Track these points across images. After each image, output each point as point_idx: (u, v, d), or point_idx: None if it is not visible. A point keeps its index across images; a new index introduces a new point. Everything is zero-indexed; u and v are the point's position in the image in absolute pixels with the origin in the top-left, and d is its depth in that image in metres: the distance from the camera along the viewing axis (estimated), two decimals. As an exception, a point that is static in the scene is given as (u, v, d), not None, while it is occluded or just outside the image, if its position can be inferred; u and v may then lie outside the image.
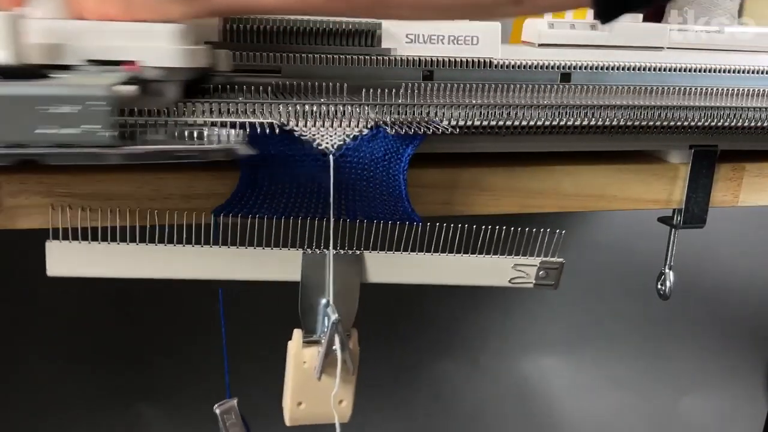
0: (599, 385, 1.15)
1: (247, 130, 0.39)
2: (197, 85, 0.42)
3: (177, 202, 0.42)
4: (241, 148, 0.36)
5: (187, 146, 0.35)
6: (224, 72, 0.45)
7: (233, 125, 0.38)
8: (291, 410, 0.46)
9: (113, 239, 0.41)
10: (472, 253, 0.45)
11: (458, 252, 0.45)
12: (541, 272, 0.46)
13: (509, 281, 0.46)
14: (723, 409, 1.19)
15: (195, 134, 0.36)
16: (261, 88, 0.45)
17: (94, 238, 0.41)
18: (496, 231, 0.44)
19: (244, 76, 0.46)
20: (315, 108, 0.41)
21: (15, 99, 0.30)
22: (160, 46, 0.37)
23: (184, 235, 0.42)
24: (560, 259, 0.46)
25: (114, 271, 0.42)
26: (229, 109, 0.40)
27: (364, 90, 0.44)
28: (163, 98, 0.38)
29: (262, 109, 0.41)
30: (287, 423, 0.47)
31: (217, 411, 0.48)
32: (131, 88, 0.34)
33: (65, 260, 0.41)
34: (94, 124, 0.30)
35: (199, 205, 0.43)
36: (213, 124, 0.38)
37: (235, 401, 0.48)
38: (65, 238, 0.41)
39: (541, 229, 0.45)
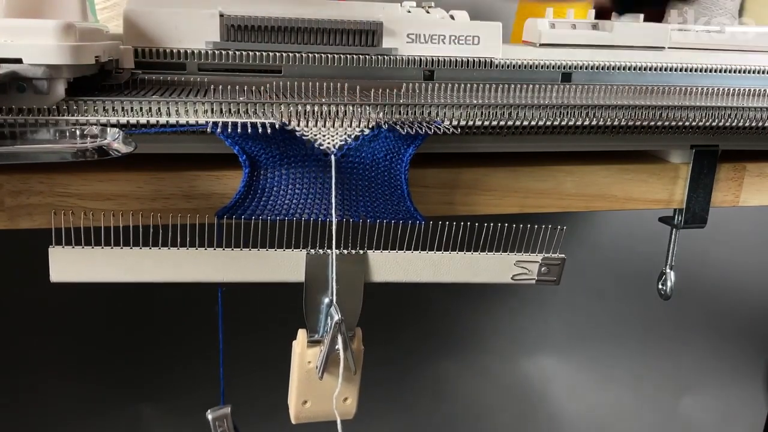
0: (599, 385, 1.15)
1: (249, 130, 0.39)
2: (98, 82, 0.42)
3: (178, 202, 0.42)
4: (118, 146, 0.35)
5: (48, 146, 0.35)
6: (129, 69, 0.44)
7: (118, 124, 0.38)
8: (296, 409, 0.46)
9: (116, 241, 0.41)
10: (474, 251, 0.45)
11: (461, 250, 0.45)
12: (543, 268, 0.46)
13: (512, 278, 0.46)
14: (723, 409, 1.19)
15: (77, 133, 0.36)
16: (262, 88, 0.45)
17: (97, 240, 0.41)
18: (498, 229, 0.45)
19: (151, 73, 0.46)
20: (316, 108, 0.41)
21: None
22: (42, 44, 0.36)
23: (187, 236, 0.42)
24: (562, 255, 0.46)
25: (118, 275, 0.42)
26: (123, 108, 0.39)
27: (365, 90, 0.44)
28: (47, 96, 0.38)
29: (264, 110, 0.41)
30: (293, 421, 0.47)
31: (210, 417, 0.48)
32: None
33: (68, 266, 0.41)
34: None
35: (200, 205, 0.43)
36: (89, 123, 0.37)
37: (228, 409, 0.48)
38: (67, 241, 0.41)
39: (543, 226, 0.45)
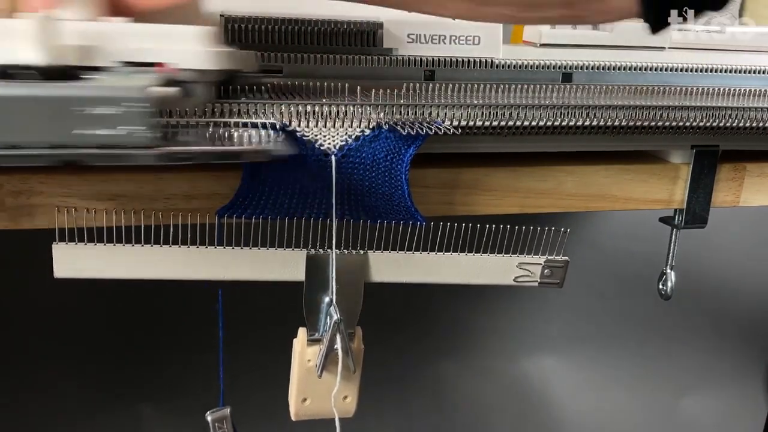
0: (599, 385, 1.15)
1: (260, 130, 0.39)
2: (226, 86, 0.43)
3: (179, 203, 0.42)
4: (274, 150, 0.36)
5: (224, 148, 0.35)
6: (250, 73, 0.45)
7: (264, 126, 0.39)
8: (296, 406, 0.46)
9: (118, 240, 0.41)
10: (476, 252, 0.45)
11: (462, 251, 0.45)
12: (546, 271, 0.46)
13: (514, 280, 0.46)
14: (723, 409, 1.19)
15: (226, 135, 0.36)
16: (263, 88, 0.45)
17: (99, 240, 0.41)
18: (500, 230, 0.45)
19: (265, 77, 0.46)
20: (317, 108, 0.41)
21: (51, 100, 0.30)
22: (190, 49, 0.37)
23: (188, 236, 0.42)
24: (565, 258, 0.46)
25: (121, 272, 0.42)
26: (257, 110, 0.40)
27: (365, 90, 0.44)
28: (193, 99, 0.38)
29: (264, 110, 0.41)
30: (293, 418, 0.47)
31: (209, 418, 0.48)
32: (173, 90, 0.35)
33: (72, 262, 0.41)
34: (134, 125, 0.30)
35: (200, 206, 0.43)
36: (245, 125, 0.38)
37: (228, 410, 0.48)
38: (70, 239, 0.41)
39: (546, 228, 0.45)
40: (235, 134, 0.37)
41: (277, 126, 0.39)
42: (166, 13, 0.40)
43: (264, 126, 0.39)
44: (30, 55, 0.33)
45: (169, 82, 0.36)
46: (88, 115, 0.30)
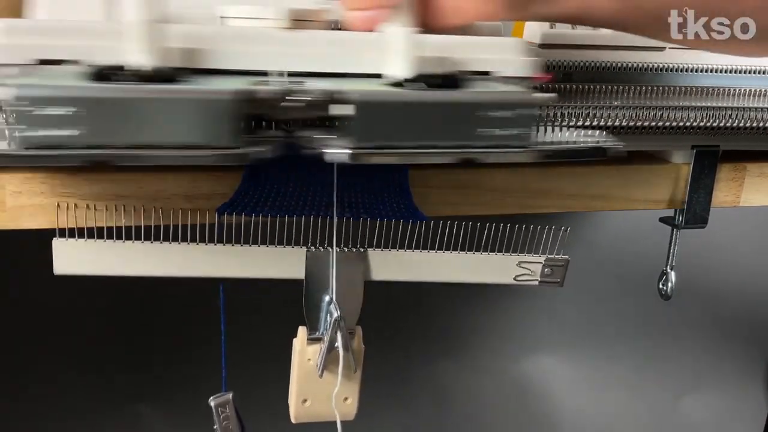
0: (599, 385, 1.15)
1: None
2: None
3: (179, 202, 0.42)
4: (611, 147, 0.39)
5: (576, 146, 0.39)
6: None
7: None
8: (296, 407, 0.46)
9: (118, 238, 0.41)
10: (476, 251, 0.45)
11: (463, 250, 0.45)
12: (546, 269, 0.46)
13: (514, 279, 0.46)
14: (723, 409, 1.19)
15: (567, 134, 0.40)
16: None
17: (99, 238, 0.41)
18: (500, 229, 0.45)
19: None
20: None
21: (458, 105, 0.34)
22: (514, 59, 0.40)
23: (189, 236, 0.42)
24: (565, 257, 0.46)
25: (121, 269, 0.42)
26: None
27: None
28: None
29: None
30: (292, 420, 0.47)
31: (212, 403, 0.48)
32: (550, 95, 0.37)
33: (72, 258, 0.41)
34: (522, 126, 0.34)
35: (201, 205, 0.43)
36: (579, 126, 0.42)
37: (230, 395, 0.48)
38: (71, 236, 0.41)
39: (546, 227, 0.45)
40: (575, 133, 0.40)
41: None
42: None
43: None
44: (397, 68, 0.36)
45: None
46: (488, 117, 0.34)
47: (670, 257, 0.57)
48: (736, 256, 1.11)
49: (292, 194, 0.42)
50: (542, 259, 0.46)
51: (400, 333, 1.02)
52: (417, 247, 0.45)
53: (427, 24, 0.39)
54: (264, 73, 0.36)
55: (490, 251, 0.45)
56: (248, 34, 0.37)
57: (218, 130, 0.31)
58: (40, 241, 0.41)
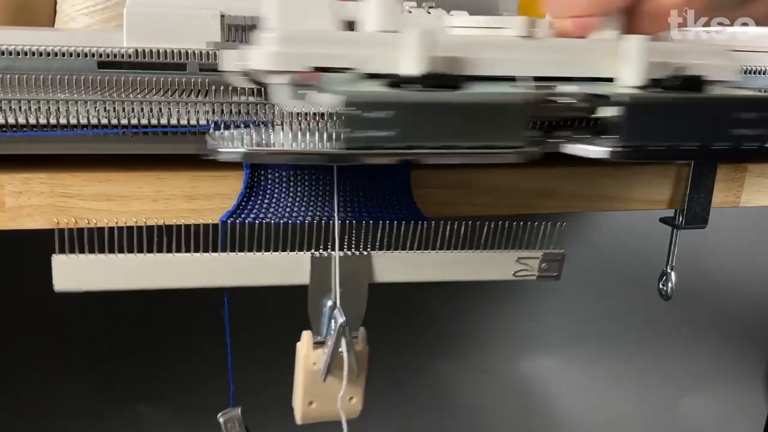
0: (599, 385, 1.15)
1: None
2: None
3: (179, 203, 0.42)
4: None
5: None
6: None
7: None
8: (302, 410, 0.46)
9: (118, 240, 0.41)
10: (475, 249, 0.46)
11: (462, 249, 0.45)
12: (543, 264, 0.47)
13: (513, 274, 0.47)
14: (723, 409, 1.19)
15: None
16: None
17: (100, 242, 0.41)
18: (498, 227, 0.45)
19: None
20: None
21: (713, 105, 0.37)
22: (727, 64, 0.43)
23: (192, 237, 0.42)
24: (562, 250, 0.47)
25: (125, 283, 0.42)
26: None
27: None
28: None
29: (264, 110, 0.41)
30: (298, 422, 0.47)
31: (221, 420, 0.48)
32: None
33: (73, 275, 0.41)
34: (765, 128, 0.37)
35: (201, 206, 0.43)
36: None
37: (239, 410, 0.48)
38: (70, 245, 0.40)
39: (542, 222, 0.46)
40: None
41: None
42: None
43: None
44: (632, 72, 0.39)
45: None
46: (740, 118, 0.37)
47: (671, 257, 0.57)
48: (736, 257, 1.11)
49: (293, 198, 0.42)
50: (540, 254, 0.47)
51: (400, 333, 1.02)
52: (418, 248, 0.45)
53: (639, 30, 0.40)
54: (512, 78, 0.38)
55: (489, 249, 0.46)
56: (499, 42, 0.40)
57: (511, 131, 0.34)
58: (39, 241, 0.41)
